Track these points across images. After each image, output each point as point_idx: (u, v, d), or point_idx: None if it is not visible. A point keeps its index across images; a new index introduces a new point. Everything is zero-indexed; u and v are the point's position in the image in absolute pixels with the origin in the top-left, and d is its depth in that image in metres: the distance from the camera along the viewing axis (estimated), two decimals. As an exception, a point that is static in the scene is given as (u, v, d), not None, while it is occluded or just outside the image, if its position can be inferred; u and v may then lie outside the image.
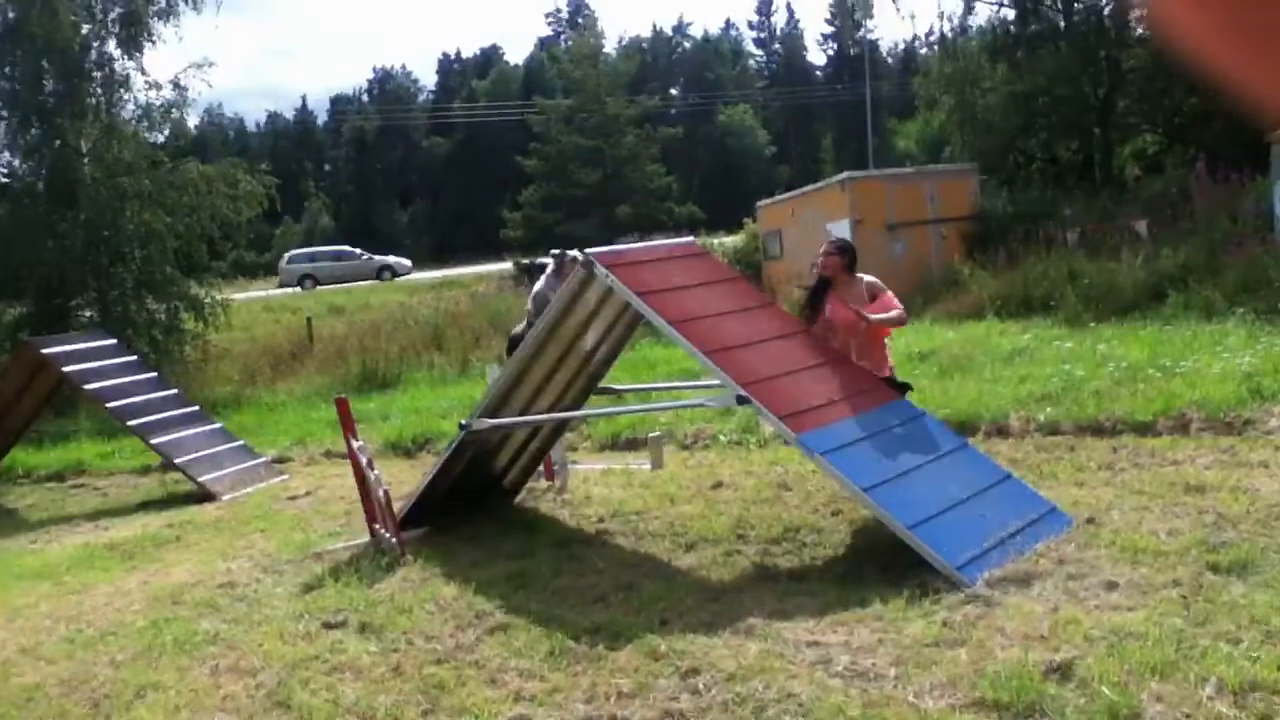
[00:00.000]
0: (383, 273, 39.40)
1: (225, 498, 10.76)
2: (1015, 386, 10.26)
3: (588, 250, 6.98)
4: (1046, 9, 29.32)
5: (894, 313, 7.01)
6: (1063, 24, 29.07)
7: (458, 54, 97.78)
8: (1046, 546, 5.80)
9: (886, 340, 7.19)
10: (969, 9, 33.61)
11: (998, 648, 4.52)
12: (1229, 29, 0.74)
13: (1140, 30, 28.41)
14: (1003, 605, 5.04)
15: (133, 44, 21.69)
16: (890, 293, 7.12)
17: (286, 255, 42.53)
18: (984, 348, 12.91)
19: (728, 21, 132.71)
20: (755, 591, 5.83)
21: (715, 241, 33.02)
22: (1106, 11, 29.01)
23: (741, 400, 6.19)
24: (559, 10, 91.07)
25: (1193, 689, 3.95)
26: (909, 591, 5.37)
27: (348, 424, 7.73)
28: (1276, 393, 8.39)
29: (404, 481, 9.68)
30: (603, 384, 8.65)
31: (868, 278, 7.25)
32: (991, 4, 30.93)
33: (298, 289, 37.75)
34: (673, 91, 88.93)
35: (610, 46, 69.16)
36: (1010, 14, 30.21)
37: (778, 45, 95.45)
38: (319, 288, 37.10)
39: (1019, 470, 6.85)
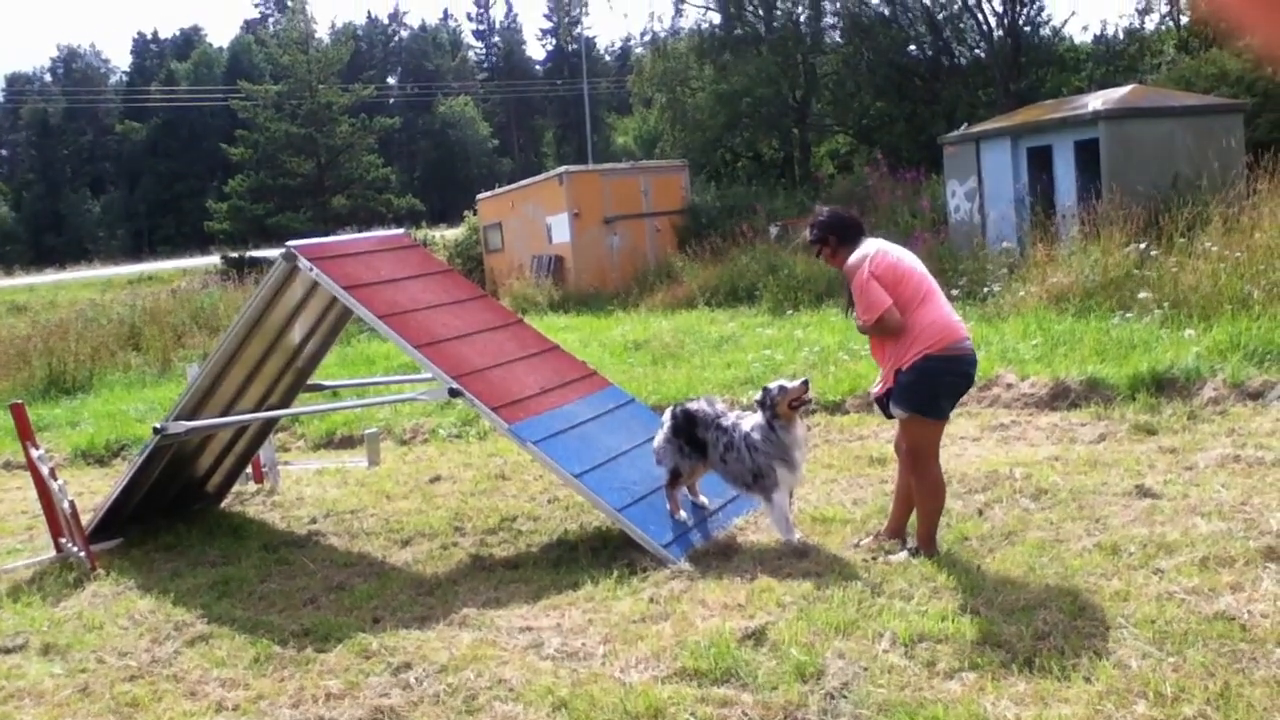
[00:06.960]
0: None
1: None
2: (721, 372, 10.80)
3: (290, 242, 6.74)
4: (749, 14, 30.92)
5: (859, 322, 5.43)
6: (764, 29, 30.73)
7: (155, 34, 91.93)
8: (746, 520, 6.19)
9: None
10: (678, 11, 34.94)
11: (699, 619, 4.77)
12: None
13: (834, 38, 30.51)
14: (705, 578, 5.32)
15: None
16: (860, 279, 5.30)
17: None
18: (695, 336, 13.51)
19: (446, 12, 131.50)
20: (470, 582, 5.85)
21: (436, 234, 32.68)
22: (803, 19, 30.96)
23: (454, 393, 6.18)
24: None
25: (870, 644, 4.31)
26: (619, 571, 5.57)
27: (25, 431, 7.12)
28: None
29: (96, 492, 9.01)
30: (316, 380, 8.38)
31: (852, 258, 5.40)
32: (699, 7, 32.25)
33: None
34: (390, 81, 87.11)
35: (322, 32, 66.63)
36: (716, 17, 31.68)
37: (497, 38, 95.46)
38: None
39: (723, 451, 7.17)
